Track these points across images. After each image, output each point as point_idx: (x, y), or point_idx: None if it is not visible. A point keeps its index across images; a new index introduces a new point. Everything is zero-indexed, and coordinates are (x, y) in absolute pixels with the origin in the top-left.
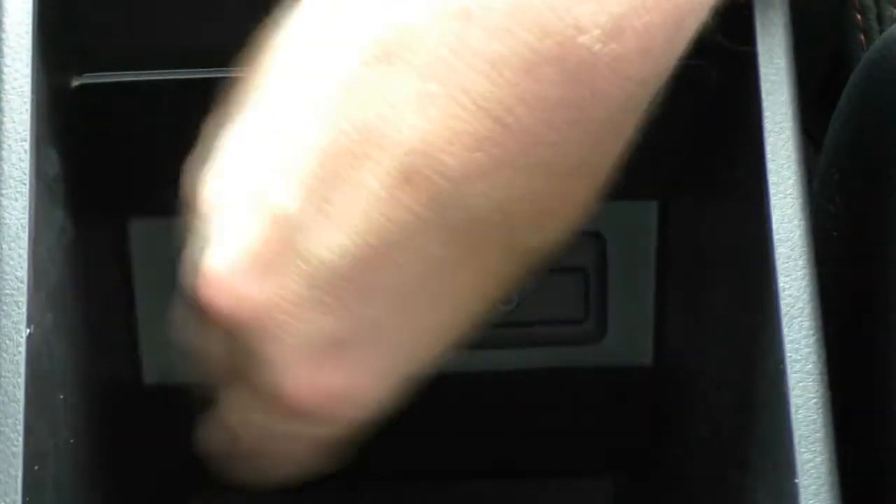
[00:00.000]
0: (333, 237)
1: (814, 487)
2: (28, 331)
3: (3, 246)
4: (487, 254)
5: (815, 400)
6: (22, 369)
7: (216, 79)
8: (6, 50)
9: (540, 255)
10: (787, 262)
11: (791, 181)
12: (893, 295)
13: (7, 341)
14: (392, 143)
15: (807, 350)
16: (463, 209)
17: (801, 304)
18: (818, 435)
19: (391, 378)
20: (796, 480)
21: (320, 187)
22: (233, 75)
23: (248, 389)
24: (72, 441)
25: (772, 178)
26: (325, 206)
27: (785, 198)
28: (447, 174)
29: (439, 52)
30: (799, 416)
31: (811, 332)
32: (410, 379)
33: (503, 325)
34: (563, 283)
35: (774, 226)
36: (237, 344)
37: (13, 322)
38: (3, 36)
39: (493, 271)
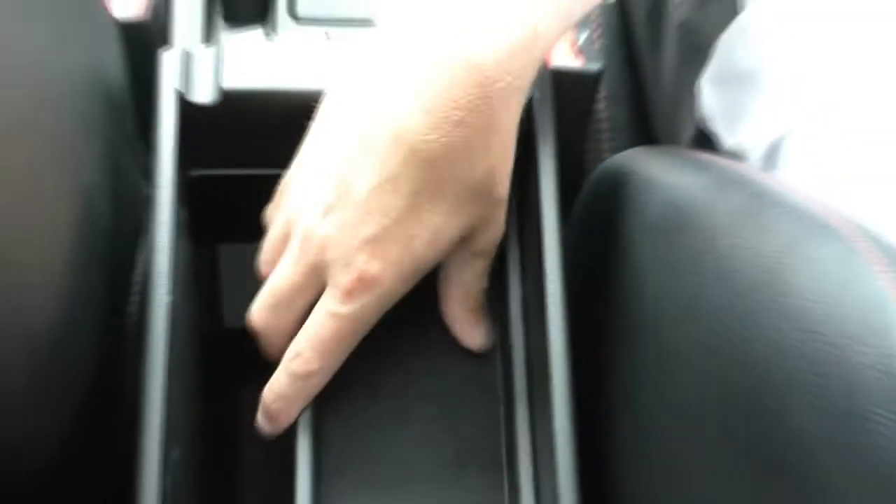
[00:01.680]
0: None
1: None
2: (170, 298)
3: (159, 256)
4: (450, 191)
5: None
6: (164, 323)
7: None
8: (162, 151)
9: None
10: (551, 285)
11: (553, 241)
12: (602, 359)
13: (158, 306)
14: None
15: (560, 340)
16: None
17: (555, 303)
18: (568, 386)
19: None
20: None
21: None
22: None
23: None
24: (186, 358)
25: (546, 240)
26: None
27: (551, 241)
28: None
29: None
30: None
31: (562, 325)
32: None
33: None
34: None
35: (548, 279)
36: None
37: (159, 294)
38: (160, 145)
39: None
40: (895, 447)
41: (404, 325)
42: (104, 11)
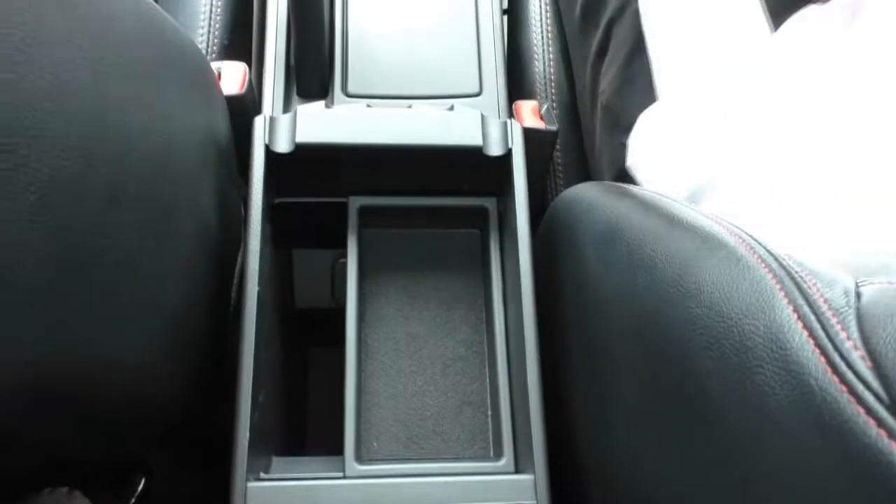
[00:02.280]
0: None
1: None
2: (258, 287)
3: (250, 258)
4: None
5: (533, 361)
6: (253, 304)
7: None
8: (255, 185)
9: None
10: (527, 308)
11: (525, 249)
12: (561, 335)
13: (250, 294)
14: None
15: (530, 315)
16: None
17: (527, 291)
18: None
19: None
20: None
21: None
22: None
23: None
24: (269, 330)
25: (522, 258)
26: None
27: (524, 248)
28: None
29: None
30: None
31: (532, 306)
32: None
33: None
34: None
35: (522, 278)
36: None
37: (252, 284)
38: (253, 180)
39: None
40: (775, 385)
41: (430, 311)
42: (217, 90)
